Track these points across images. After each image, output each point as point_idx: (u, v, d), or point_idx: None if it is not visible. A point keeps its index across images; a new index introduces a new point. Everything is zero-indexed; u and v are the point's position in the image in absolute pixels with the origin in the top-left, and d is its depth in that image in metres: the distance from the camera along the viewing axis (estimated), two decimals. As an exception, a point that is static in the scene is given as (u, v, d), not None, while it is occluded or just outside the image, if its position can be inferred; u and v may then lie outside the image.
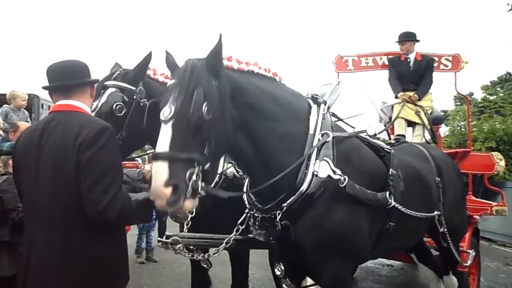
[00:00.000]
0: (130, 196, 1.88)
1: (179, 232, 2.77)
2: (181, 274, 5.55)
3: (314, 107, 2.32)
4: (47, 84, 2.03)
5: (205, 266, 2.66)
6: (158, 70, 2.79)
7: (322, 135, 2.20)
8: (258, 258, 4.18)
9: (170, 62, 2.06)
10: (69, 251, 1.78)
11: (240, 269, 3.04)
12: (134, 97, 2.51)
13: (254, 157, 2.09)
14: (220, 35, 1.88)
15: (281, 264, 2.22)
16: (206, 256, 2.52)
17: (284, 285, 2.28)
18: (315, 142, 2.17)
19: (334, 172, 2.10)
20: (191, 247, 2.57)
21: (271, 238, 2.15)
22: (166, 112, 1.78)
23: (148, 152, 3.52)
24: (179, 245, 2.45)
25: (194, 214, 2.66)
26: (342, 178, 2.09)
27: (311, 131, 2.21)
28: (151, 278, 5.44)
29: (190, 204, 1.70)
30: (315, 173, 2.10)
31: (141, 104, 2.53)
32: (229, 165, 2.79)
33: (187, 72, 1.83)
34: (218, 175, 2.69)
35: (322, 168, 2.11)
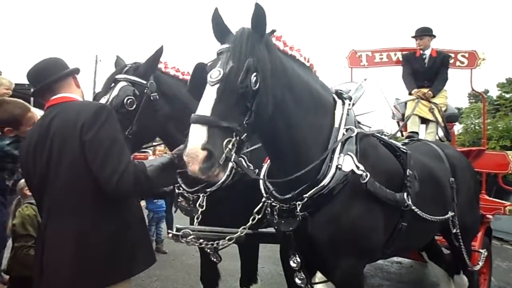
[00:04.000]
0: (147, 161, 1.91)
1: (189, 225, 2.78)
2: (190, 266, 5.59)
3: (339, 102, 2.32)
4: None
5: (214, 259, 2.67)
6: (169, 63, 2.80)
7: (347, 130, 2.20)
8: (267, 252, 4.19)
9: (218, 22, 1.94)
10: (82, 235, 1.81)
11: (249, 263, 3.04)
12: (145, 91, 2.51)
13: (286, 142, 2.06)
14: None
15: (297, 256, 2.18)
16: (220, 243, 2.51)
17: (297, 279, 2.24)
18: (340, 136, 2.17)
19: (357, 167, 2.08)
20: (201, 240, 2.58)
21: (290, 228, 2.12)
22: (214, 74, 1.76)
23: (155, 144, 3.53)
24: (190, 237, 2.46)
25: (204, 208, 2.67)
26: (364, 174, 2.07)
27: (336, 125, 2.21)
28: (160, 270, 5.49)
29: (221, 175, 1.70)
30: (339, 166, 2.08)
31: (152, 98, 2.53)
32: (240, 159, 2.79)
33: (242, 38, 1.82)
34: (229, 169, 2.68)
35: (346, 162, 2.09)
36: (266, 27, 1.89)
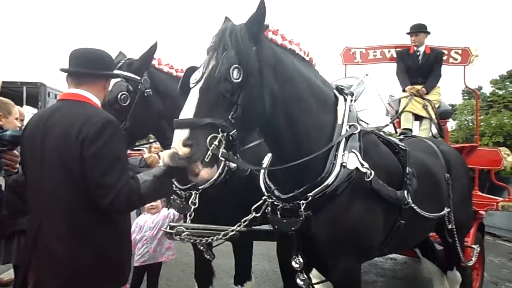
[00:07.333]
0: (143, 174, 1.87)
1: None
2: (184, 264, 5.57)
3: (340, 98, 2.26)
4: (60, 70, 2.02)
5: (208, 257, 2.66)
6: (163, 60, 2.78)
7: (350, 126, 2.15)
8: (262, 250, 4.20)
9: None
10: (76, 239, 1.80)
11: (244, 260, 3.04)
12: (139, 87, 2.51)
13: (289, 138, 2.01)
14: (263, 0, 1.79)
15: (300, 256, 2.12)
16: (215, 238, 2.50)
17: (298, 280, 2.18)
18: (343, 133, 2.12)
19: (362, 165, 2.04)
20: (194, 237, 2.58)
21: (293, 228, 2.05)
22: (194, 76, 1.74)
23: (151, 141, 3.53)
24: (184, 233, 2.44)
25: (197, 205, 2.66)
26: (368, 172, 2.03)
27: (339, 122, 2.16)
28: (155, 267, 5.46)
29: (206, 174, 1.68)
30: (344, 164, 2.04)
31: (146, 94, 2.53)
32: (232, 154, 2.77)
33: (223, 34, 1.78)
34: (221, 167, 2.66)
35: (350, 159, 2.04)
36: (261, 24, 1.84)
